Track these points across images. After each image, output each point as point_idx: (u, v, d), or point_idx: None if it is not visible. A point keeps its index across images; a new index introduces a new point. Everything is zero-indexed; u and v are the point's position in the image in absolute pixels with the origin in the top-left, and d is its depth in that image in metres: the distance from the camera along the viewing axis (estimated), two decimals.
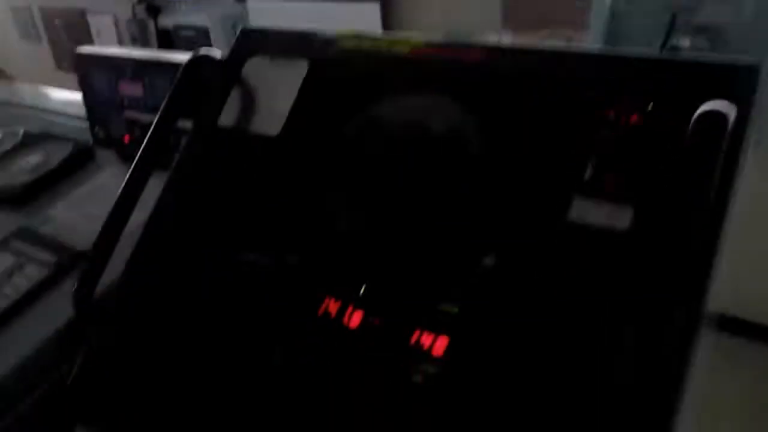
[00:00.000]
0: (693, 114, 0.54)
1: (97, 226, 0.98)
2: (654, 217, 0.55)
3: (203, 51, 0.85)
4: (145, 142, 0.82)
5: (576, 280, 0.56)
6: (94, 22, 3.55)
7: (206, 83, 0.84)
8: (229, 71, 0.83)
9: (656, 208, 0.55)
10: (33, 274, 0.92)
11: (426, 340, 0.60)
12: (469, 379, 0.57)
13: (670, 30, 1.63)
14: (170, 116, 0.83)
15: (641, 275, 0.53)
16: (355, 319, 0.63)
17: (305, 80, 0.77)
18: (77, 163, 1.16)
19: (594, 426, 0.50)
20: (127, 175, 0.81)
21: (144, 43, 3.24)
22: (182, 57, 0.91)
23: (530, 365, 0.55)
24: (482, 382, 0.56)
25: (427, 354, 0.59)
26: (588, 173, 0.59)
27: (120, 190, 0.80)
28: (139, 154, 0.81)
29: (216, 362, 0.68)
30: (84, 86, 1.20)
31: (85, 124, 1.25)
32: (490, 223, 0.61)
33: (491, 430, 0.55)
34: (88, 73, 1.18)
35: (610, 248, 0.55)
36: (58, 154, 1.18)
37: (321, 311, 0.65)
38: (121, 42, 3.40)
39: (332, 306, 0.65)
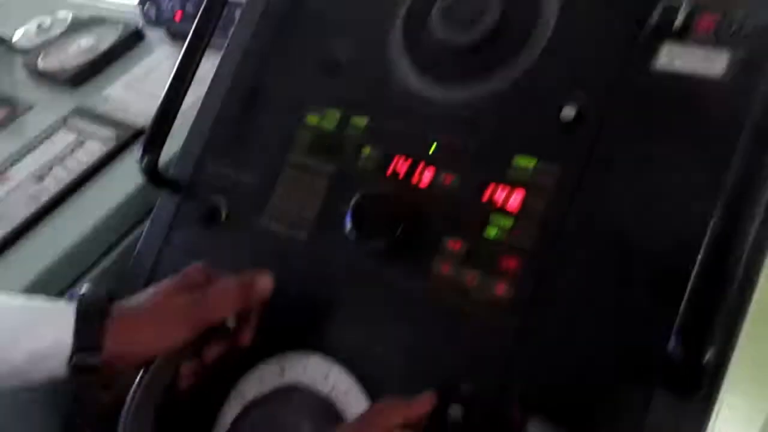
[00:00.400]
0: None
1: (153, 104, 0.99)
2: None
3: None
4: (198, 18, 0.79)
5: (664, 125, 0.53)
6: None
7: None
8: None
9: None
10: (94, 149, 0.93)
11: (500, 195, 0.59)
12: (545, 234, 0.56)
13: None
14: None
15: None
16: (426, 177, 0.62)
17: None
18: (128, 45, 1.15)
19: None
20: (183, 49, 0.78)
21: None
22: None
23: (614, 225, 0.54)
24: (560, 237, 0.55)
25: (501, 210, 0.58)
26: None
27: (177, 64, 0.78)
28: (192, 30, 0.79)
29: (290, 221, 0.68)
30: None
31: (133, 8, 1.23)
32: (571, 73, 0.59)
33: (570, 285, 0.54)
34: None
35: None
36: (108, 37, 1.16)
37: (389, 171, 0.64)
38: None
39: (401, 165, 0.64)
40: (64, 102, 1.08)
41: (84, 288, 0.59)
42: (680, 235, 0.51)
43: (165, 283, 0.62)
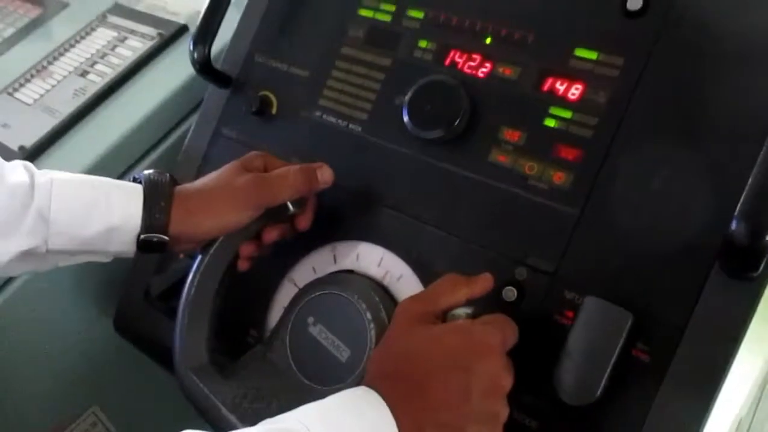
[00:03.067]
0: None
1: (191, 3, 0.98)
2: None
3: None
4: None
5: None
6: None
7: None
8: None
9: None
10: (137, 45, 0.92)
11: (560, 87, 0.59)
12: (605, 126, 0.56)
13: None
14: None
15: None
16: (484, 68, 0.63)
17: None
18: None
19: None
20: None
21: None
22: None
23: (676, 119, 0.54)
24: (620, 129, 0.56)
25: (561, 100, 0.58)
26: None
27: None
28: None
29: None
30: None
31: None
32: None
33: (629, 175, 0.55)
34: None
35: None
36: None
37: (447, 62, 0.64)
38: None
39: (459, 57, 0.64)
40: (99, 1, 1.07)
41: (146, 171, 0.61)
42: (743, 129, 0.51)
43: (226, 168, 0.63)
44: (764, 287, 0.49)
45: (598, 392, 0.50)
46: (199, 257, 0.62)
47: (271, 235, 0.63)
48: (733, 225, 0.46)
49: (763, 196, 0.46)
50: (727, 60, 0.53)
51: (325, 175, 0.63)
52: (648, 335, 0.51)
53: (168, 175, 0.61)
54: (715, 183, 0.51)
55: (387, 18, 0.69)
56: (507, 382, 0.49)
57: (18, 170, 0.58)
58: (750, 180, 0.46)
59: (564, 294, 0.54)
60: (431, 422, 0.45)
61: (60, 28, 1.05)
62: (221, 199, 0.60)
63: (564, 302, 0.54)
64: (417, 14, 0.67)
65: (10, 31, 1.08)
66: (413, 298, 0.53)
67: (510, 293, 0.56)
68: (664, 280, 0.51)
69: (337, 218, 0.67)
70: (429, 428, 0.45)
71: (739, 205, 0.46)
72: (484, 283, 0.53)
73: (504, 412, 0.49)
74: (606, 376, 0.50)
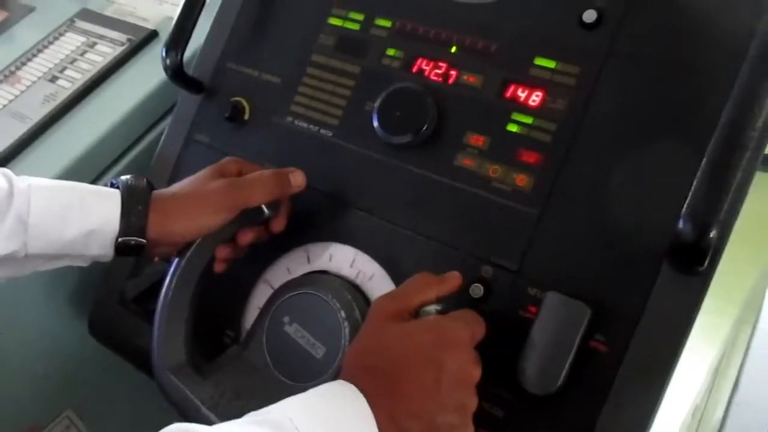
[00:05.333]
0: None
1: (161, 9, 0.99)
2: None
3: None
4: None
5: None
6: None
7: None
8: None
9: None
10: (106, 51, 0.93)
11: (521, 94, 0.62)
12: (564, 130, 0.60)
13: None
14: None
15: None
16: (449, 76, 0.66)
17: None
18: None
19: None
20: None
21: None
22: None
23: (629, 123, 0.58)
24: (578, 133, 0.59)
25: (522, 106, 0.62)
26: None
27: None
28: None
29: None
30: None
31: None
32: None
33: (587, 176, 0.58)
34: None
35: None
36: None
37: (414, 69, 0.67)
38: None
39: (426, 65, 0.67)
40: (65, 5, 1.06)
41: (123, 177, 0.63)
42: (689, 135, 0.55)
43: (201, 173, 0.65)
44: (710, 280, 0.53)
45: (560, 381, 0.53)
46: (176, 260, 0.64)
47: (246, 237, 0.65)
48: (680, 224, 0.50)
49: (706, 197, 0.50)
50: (675, 69, 0.57)
51: (297, 179, 0.65)
52: (605, 327, 0.54)
53: (145, 179, 0.63)
54: (664, 184, 0.55)
55: (356, 27, 0.72)
56: (476, 373, 0.52)
57: None
58: (694, 182, 0.50)
59: (527, 290, 0.58)
60: (404, 413, 0.48)
61: (26, 32, 1.05)
62: (196, 202, 0.62)
63: (527, 298, 0.57)
64: (385, 23, 0.70)
65: None
66: (386, 296, 0.55)
67: (477, 290, 0.59)
68: (619, 275, 0.55)
69: (310, 220, 0.69)
70: (403, 418, 0.48)
71: (685, 205, 0.50)
72: (453, 281, 0.56)
73: (473, 402, 0.52)
74: (567, 366, 0.53)
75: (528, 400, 0.55)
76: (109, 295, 0.78)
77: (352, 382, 0.49)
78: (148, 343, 0.63)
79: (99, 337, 0.81)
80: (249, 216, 0.64)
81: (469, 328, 0.53)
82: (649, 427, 0.53)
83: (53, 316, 0.85)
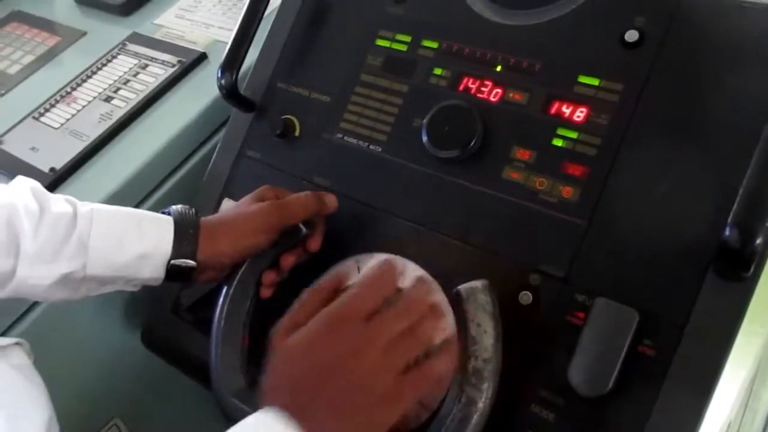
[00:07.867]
0: None
1: (208, 32, 1.03)
2: None
3: None
4: None
5: None
6: None
7: None
8: None
9: None
10: (158, 72, 0.98)
11: (565, 109, 0.65)
12: (608, 144, 0.62)
13: None
14: None
15: None
16: (496, 94, 0.69)
17: None
18: None
19: None
20: None
21: None
22: None
23: (672, 137, 0.60)
24: (622, 146, 0.62)
25: (567, 122, 0.64)
26: None
27: None
28: None
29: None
30: None
31: None
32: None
33: (632, 188, 0.61)
34: None
35: None
36: None
37: (461, 88, 0.70)
38: None
39: (472, 83, 0.70)
40: (115, 30, 1.12)
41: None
42: (733, 144, 0.58)
43: (242, 200, 0.71)
44: (755, 286, 0.55)
45: (610, 384, 0.55)
46: (224, 288, 0.67)
47: (289, 261, 0.69)
48: (727, 231, 0.52)
49: (753, 205, 0.52)
50: (716, 82, 0.60)
51: (331, 200, 0.70)
52: (653, 332, 0.56)
53: (194, 209, 0.67)
54: (710, 193, 0.57)
55: (403, 48, 0.75)
56: (395, 359, 0.49)
57: (60, 202, 0.63)
58: (741, 190, 0.52)
59: (575, 296, 0.60)
60: (335, 418, 0.48)
61: (79, 55, 1.10)
62: (242, 223, 0.66)
63: (575, 304, 0.60)
64: (431, 44, 0.73)
65: (29, 59, 1.13)
66: (279, 325, 0.55)
67: (525, 297, 0.62)
68: (665, 281, 0.57)
69: (359, 233, 0.72)
70: (334, 424, 0.47)
71: (731, 213, 0.52)
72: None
73: (408, 389, 0.50)
74: (616, 369, 0.55)
75: (578, 405, 0.57)
76: (163, 305, 0.81)
77: (272, 407, 0.48)
78: (203, 353, 0.65)
79: (152, 347, 0.84)
80: (288, 236, 0.68)
81: (356, 298, 0.52)
82: (697, 431, 0.54)
83: (106, 327, 0.88)
